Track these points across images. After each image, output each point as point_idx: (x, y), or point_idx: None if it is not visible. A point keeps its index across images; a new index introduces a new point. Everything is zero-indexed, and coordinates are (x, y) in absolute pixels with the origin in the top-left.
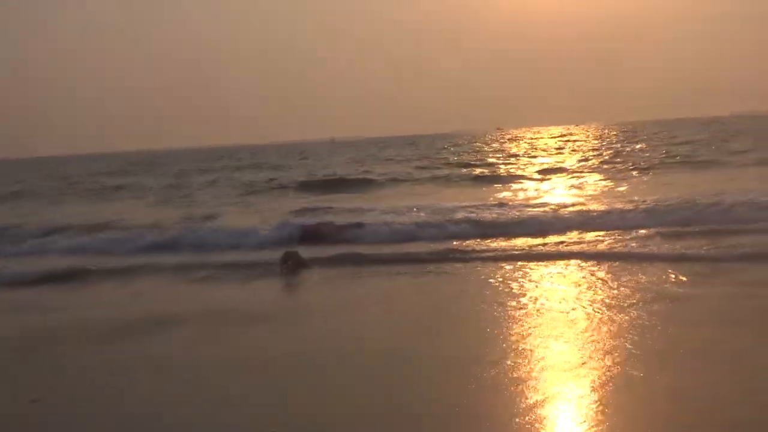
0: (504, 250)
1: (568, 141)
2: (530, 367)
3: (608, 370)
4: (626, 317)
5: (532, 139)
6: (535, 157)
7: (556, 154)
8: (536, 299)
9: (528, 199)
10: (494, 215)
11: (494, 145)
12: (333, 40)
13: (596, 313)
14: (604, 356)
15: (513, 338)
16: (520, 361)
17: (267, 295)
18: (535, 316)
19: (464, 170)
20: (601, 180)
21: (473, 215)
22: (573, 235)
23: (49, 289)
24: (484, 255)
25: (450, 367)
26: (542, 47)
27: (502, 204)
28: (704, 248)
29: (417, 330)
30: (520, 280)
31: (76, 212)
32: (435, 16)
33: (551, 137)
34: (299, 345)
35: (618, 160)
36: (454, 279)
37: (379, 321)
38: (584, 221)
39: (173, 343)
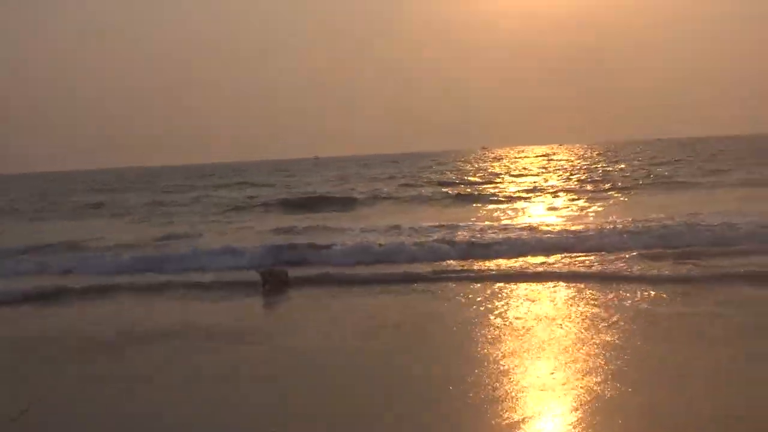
0: (482, 271)
1: (551, 160)
2: (510, 387)
3: (587, 390)
4: (606, 337)
5: (516, 158)
6: (518, 176)
7: (536, 174)
8: (516, 319)
9: (509, 218)
10: (475, 235)
11: (476, 164)
12: (319, 58)
13: (576, 333)
14: (583, 376)
15: (492, 358)
16: (500, 380)
17: (246, 312)
18: (515, 336)
19: (445, 189)
20: (579, 200)
21: (452, 235)
22: (553, 257)
23: (29, 307)
24: (463, 275)
25: (428, 387)
26: (531, 66)
27: (483, 223)
28: (683, 269)
29: (395, 349)
30: (500, 300)
31: (55, 230)
32: (421, 35)
33: (536, 156)
34: (272, 366)
35: (598, 179)
36: (433, 298)
37: (356, 340)
38: (564, 242)
39: (153, 357)
